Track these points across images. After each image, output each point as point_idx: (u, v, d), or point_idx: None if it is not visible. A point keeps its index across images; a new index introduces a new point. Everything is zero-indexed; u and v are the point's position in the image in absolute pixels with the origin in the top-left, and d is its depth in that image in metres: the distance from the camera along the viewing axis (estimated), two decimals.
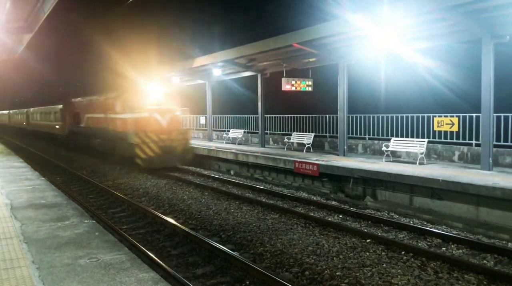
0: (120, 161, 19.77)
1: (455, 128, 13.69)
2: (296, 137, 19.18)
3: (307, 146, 18.07)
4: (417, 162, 13.64)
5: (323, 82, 19.59)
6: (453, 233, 8.92)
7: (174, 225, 9.64)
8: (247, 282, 6.74)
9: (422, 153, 13.72)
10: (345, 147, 16.17)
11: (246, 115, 24.00)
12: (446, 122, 13.80)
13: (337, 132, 16.91)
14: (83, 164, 21.13)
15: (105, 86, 24.81)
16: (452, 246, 8.22)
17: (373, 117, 16.77)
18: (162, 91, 19.83)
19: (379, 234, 8.99)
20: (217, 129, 26.33)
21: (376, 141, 16.62)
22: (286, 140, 19.56)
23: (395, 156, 15.21)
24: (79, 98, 27.19)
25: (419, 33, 12.88)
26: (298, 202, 12.12)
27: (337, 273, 6.87)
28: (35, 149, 29.58)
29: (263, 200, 12.14)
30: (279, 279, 6.41)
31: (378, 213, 10.83)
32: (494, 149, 12.37)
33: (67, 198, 10.33)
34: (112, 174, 17.87)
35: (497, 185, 9.63)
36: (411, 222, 9.88)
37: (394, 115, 15.81)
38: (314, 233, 8.97)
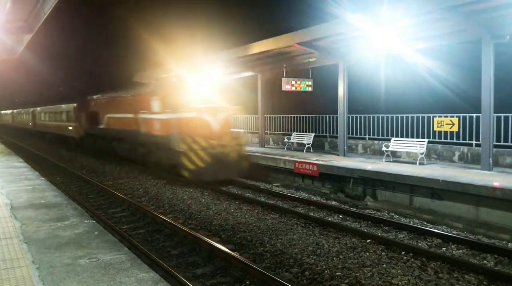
0: (154, 170, 17.13)
1: (455, 129, 13.69)
2: (296, 138, 19.18)
3: (307, 146, 18.07)
4: (417, 162, 13.64)
5: (323, 82, 19.54)
6: (453, 233, 8.92)
7: (174, 225, 9.64)
8: (247, 282, 6.74)
9: (422, 153, 13.72)
10: (345, 147, 16.17)
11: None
12: (446, 123, 13.81)
13: (337, 133, 16.91)
14: (83, 164, 21.12)
15: (133, 81, 22.88)
16: (452, 246, 8.22)
17: (373, 117, 16.78)
18: (211, 86, 16.26)
19: (379, 234, 8.99)
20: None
21: (376, 142, 16.62)
22: (286, 140, 19.48)
23: (395, 156, 15.21)
24: (97, 96, 24.07)
25: (419, 33, 12.88)
26: (298, 202, 12.11)
27: (337, 273, 6.87)
28: (35, 149, 29.56)
29: (262, 199, 12.14)
30: (279, 279, 6.40)
31: (378, 213, 10.82)
32: (494, 149, 12.38)
33: (67, 198, 10.33)
34: (112, 174, 17.87)
35: (498, 185, 9.64)
36: (411, 222, 9.88)
37: (394, 115, 15.81)
38: (314, 233, 8.97)
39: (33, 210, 8.17)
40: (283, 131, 21.58)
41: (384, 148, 14.80)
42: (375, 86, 19.91)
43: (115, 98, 21.15)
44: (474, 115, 13.16)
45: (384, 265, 7.17)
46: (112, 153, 21.53)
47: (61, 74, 45.45)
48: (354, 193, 13.11)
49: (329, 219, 10.21)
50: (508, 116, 12.48)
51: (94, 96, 24.38)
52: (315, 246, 8.21)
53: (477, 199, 9.95)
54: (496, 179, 10.37)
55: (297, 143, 19.43)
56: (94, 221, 7.68)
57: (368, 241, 8.45)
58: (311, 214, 10.69)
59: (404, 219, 10.29)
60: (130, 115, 18.51)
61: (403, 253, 7.75)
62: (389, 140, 15.11)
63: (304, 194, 13.35)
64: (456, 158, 13.97)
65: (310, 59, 17.23)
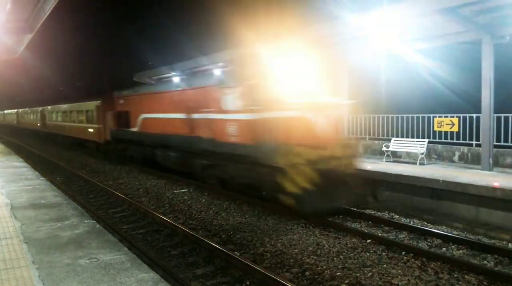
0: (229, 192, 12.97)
1: (455, 129, 13.70)
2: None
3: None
4: (418, 162, 13.64)
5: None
6: (453, 234, 8.91)
7: (174, 225, 9.63)
8: (248, 283, 6.73)
9: (422, 153, 13.72)
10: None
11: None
12: (446, 123, 13.82)
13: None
14: (83, 164, 21.12)
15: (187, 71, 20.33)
16: (453, 246, 8.21)
17: (373, 117, 16.77)
18: (319, 70, 11.05)
19: (380, 234, 8.98)
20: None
21: (376, 142, 16.61)
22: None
23: (395, 156, 15.21)
24: (128, 91, 19.79)
25: (421, 33, 12.87)
26: None
27: (338, 274, 6.87)
28: (35, 149, 29.54)
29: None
30: (280, 279, 6.40)
31: (379, 213, 10.82)
32: (495, 149, 12.38)
33: (67, 197, 10.34)
34: (112, 173, 17.87)
35: (498, 185, 9.63)
36: (411, 222, 9.87)
37: (394, 115, 15.79)
38: (315, 233, 8.97)
39: (33, 210, 8.17)
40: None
41: (384, 148, 14.81)
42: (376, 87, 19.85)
43: (157, 93, 16.77)
44: (474, 115, 13.16)
45: (385, 265, 7.16)
46: (151, 163, 17.46)
47: (77, 69, 42.85)
48: None
49: (329, 219, 10.18)
50: (508, 117, 12.48)
51: (125, 92, 19.92)
52: (315, 246, 8.20)
53: (477, 199, 9.94)
54: (496, 179, 10.37)
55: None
56: (94, 221, 7.69)
57: (368, 241, 8.44)
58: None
59: (405, 219, 10.27)
60: (181, 116, 14.24)
61: (403, 253, 7.75)
62: (389, 140, 15.11)
63: None
64: (456, 158, 13.97)
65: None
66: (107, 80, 37.71)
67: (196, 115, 13.40)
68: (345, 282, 6.57)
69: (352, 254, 7.72)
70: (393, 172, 11.97)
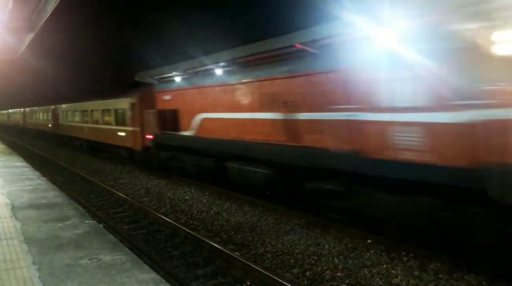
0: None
1: None
2: None
3: None
4: None
5: None
6: None
7: (175, 225, 9.64)
8: (248, 283, 6.75)
9: None
10: None
11: None
12: None
13: None
14: (84, 164, 21.14)
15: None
16: None
17: None
18: None
19: (380, 234, 8.95)
20: None
21: None
22: None
23: None
24: (177, 84, 15.03)
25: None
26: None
27: (338, 274, 6.88)
28: (35, 149, 29.58)
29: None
30: (280, 280, 6.41)
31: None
32: None
33: (68, 198, 10.35)
34: (113, 173, 17.89)
35: None
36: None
37: None
38: (315, 234, 8.96)
39: (33, 210, 8.19)
40: None
41: None
42: None
43: (227, 86, 12.16)
44: None
45: (385, 266, 7.16)
46: (213, 177, 13.53)
47: (98, 60, 38.41)
48: None
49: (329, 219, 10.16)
50: None
51: (172, 85, 15.42)
52: (316, 246, 8.20)
53: None
54: None
55: None
56: (95, 221, 7.70)
57: (368, 241, 8.43)
58: (312, 214, 10.59)
59: None
60: (276, 116, 10.17)
61: (403, 253, 7.74)
62: None
63: None
64: None
65: None
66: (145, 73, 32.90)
67: (313, 115, 9.04)
68: (345, 282, 6.58)
69: (352, 255, 7.72)
70: None
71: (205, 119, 13.19)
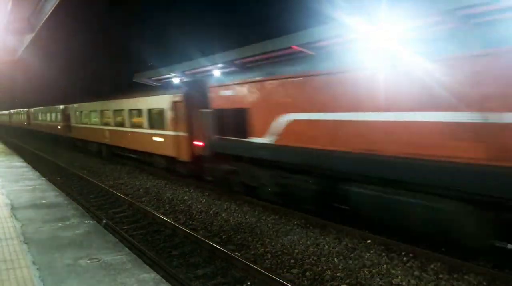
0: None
1: None
2: None
3: None
4: None
5: None
6: None
7: (175, 225, 9.64)
8: (248, 283, 6.75)
9: None
10: None
11: None
12: None
13: None
14: (84, 164, 21.12)
15: None
16: None
17: None
18: None
19: (380, 235, 8.96)
20: None
21: None
22: None
23: None
24: (245, 76, 11.54)
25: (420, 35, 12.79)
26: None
27: (338, 274, 6.88)
28: (35, 149, 29.55)
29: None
30: (281, 280, 6.41)
31: None
32: None
33: (68, 198, 10.35)
34: (113, 174, 17.87)
35: None
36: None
37: None
38: (315, 234, 8.96)
39: (33, 210, 8.19)
40: None
41: None
42: None
43: (338, 75, 8.46)
44: None
45: (385, 266, 7.17)
46: (320, 206, 9.73)
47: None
48: None
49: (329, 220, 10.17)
50: None
51: (236, 78, 11.79)
52: (315, 246, 8.20)
53: None
54: None
55: None
56: (94, 222, 7.69)
57: (368, 241, 8.44)
58: (312, 214, 10.61)
59: None
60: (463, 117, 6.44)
61: (403, 253, 7.74)
62: None
63: None
64: None
65: None
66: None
67: None
68: (345, 282, 6.59)
69: (352, 255, 7.72)
70: None
71: (294, 122, 9.54)
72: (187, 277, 6.91)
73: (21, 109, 46.93)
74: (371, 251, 7.87)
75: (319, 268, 7.14)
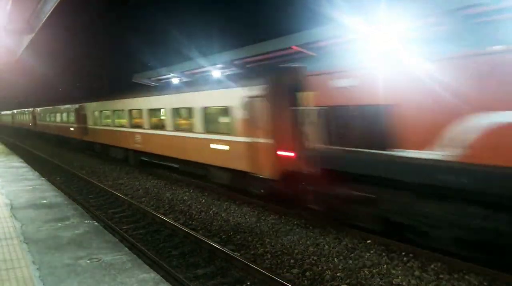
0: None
1: None
2: None
3: None
4: None
5: None
6: None
7: (175, 225, 9.64)
8: (248, 283, 6.74)
9: None
10: None
11: None
12: None
13: None
14: (83, 164, 21.10)
15: None
16: None
17: None
18: None
19: (380, 235, 8.95)
20: None
21: None
22: None
23: None
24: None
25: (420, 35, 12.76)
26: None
27: (338, 274, 6.87)
28: (35, 149, 29.52)
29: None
30: (280, 280, 6.41)
31: None
32: None
33: (68, 198, 10.35)
34: (112, 174, 17.85)
35: None
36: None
37: None
38: (315, 234, 8.96)
39: (33, 210, 8.18)
40: None
41: None
42: None
43: None
44: None
45: (385, 266, 7.16)
46: None
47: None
48: None
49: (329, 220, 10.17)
50: None
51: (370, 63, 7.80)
52: (315, 246, 8.20)
53: None
54: None
55: None
56: (94, 221, 7.69)
57: (368, 241, 8.43)
58: (311, 214, 10.60)
59: None
60: None
61: (403, 253, 7.74)
62: None
63: None
64: None
65: None
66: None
67: None
68: (345, 282, 6.58)
69: (352, 255, 7.72)
70: None
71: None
72: (187, 277, 6.90)
73: (25, 109, 43.09)
74: (371, 251, 7.87)
75: (319, 268, 7.14)
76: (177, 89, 15.03)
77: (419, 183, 6.91)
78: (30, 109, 40.24)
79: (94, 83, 42.12)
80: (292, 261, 7.52)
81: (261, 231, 9.30)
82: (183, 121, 14.36)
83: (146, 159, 17.78)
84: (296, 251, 7.98)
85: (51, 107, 31.78)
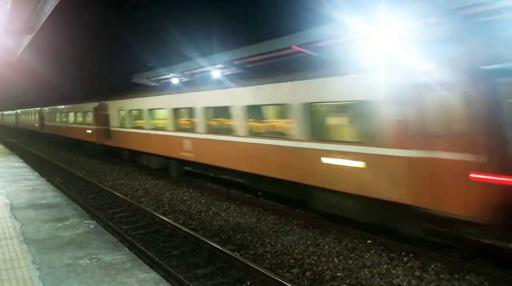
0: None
1: None
2: None
3: None
4: None
5: None
6: None
7: (174, 225, 9.63)
8: (248, 283, 6.73)
9: None
10: None
11: None
12: None
13: None
14: (83, 164, 21.09)
15: None
16: None
17: None
18: None
19: (380, 235, 8.95)
20: None
21: None
22: None
23: None
24: None
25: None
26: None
27: (338, 274, 6.87)
28: (35, 150, 29.51)
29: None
30: (280, 280, 6.40)
31: None
32: None
33: (67, 198, 10.34)
34: (112, 174, 17.84)
35: None
36: None
37: None
38: (315, 234, 8.95)
39: (33, 210, 8.17)
40: None
41: None
42: None
43: None
44: None
45: (385, 266, 7.16)
46: None
47: None
48: None
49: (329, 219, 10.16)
50: None
51: None
52: (315, 246, 8.19)
53: None
54: None
55: None
56: (94, 221, 7.68)
57: (368, 242, 8.43)
58: (311, 214, 10.60)
59: None
60: None
61: (403, 253, 7.73)
62: None
63: None
64: None
65: None
66: None
67: None
68: (345, 282, 6.57)
69: (352, 255, 7.71)
70: None
71: None
72: (187, 277, 6.89)
73: (31, 109, 39.03)
74: (371, 251, 7.86)
75: (319, 268, 7.13)
76: (259, 79, 10.84)
77: None
78: (37, 108, 36.44)
79: (94, 82, 42.11)
80: (292, 261, 7.51)
81: (261, 231, 9.29)
82: (266, 124, 10.70)
83: (196, 171, 15.09)
84: (296, 251, 7.98)
85: (63, 106, 28.36)
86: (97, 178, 16.86)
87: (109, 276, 4.85)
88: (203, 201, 12.32)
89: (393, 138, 7.34)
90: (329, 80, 8.58)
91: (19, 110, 46.44)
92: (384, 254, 7.71)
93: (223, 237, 9.03)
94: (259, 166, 10.57)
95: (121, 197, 12.86)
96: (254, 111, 10.84)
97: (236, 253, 7.83)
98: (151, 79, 27.10)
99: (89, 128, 22.99)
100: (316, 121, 9.10)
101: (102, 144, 21.33)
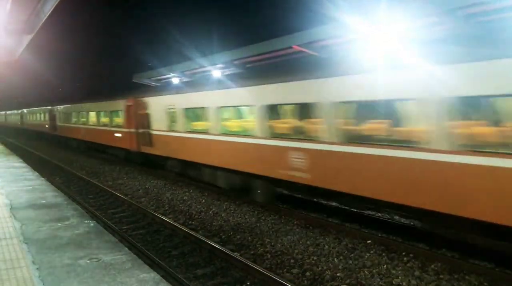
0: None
1: None
2: None
3: None
4: None
5: None
6: None
7: (174, 225, 9.63)
8: (248, 283, 6.73)
9: None
10: None
11: None
12: None
13: None
14: (83, 164, 21.09)
15: None
16: None
17: None
18: None
19: (380, 235, 8.96)
20: None
21: None
22: None
23: None
24: None
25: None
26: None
27: (338, 274, 6.87)
28: (35, 150, 29.52)
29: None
30: (280, 280, 6.40)
31: (379, 214, 10.80)
32: None
33: (67, 198, 10.35)
34: (112, 174, 17.84)
35: None
36: (412, 223, 9.85)
37: None
38: (315, 234, 8.95)
39: (33, 210, 8.17)
40: None
41: None
42: None
43: None
44: None
45: (385, 266, 7.16)
46: None
47: None
48: None
49: (329, 219, 10.18)
50: None
51: None
52: (315, 246, 8.19)
53: None
54: None
55: None
56: (94, 222, 7.68)
57: (368, 242, 8.43)
58: (312, 214, 10.62)
59: (405, 220, 10.25)
60: None
61: (403, 253, 7.73)
62: None
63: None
64: None
65: None
66: None
67: None
68: (345, 282, 6.57)
69: (352, 255, 7.71)
70: None
71: None
72: (186, 277, 6.89)
73: (39, 108, 34.42)
74: (371, 251, 7.86)
75: (319, 268, 7.13)
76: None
77: None
78: (47, 107, 31.39)
79: (94, 83, 42.12)
80: (292, 261, 7.51)
81: (261, 231, 9.29)
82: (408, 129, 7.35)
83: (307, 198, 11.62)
84: (296, 251, 7.97)
85: (80, 104, 24.00)
86: (97, 178, 16.86)
87: (109, 276, 4.85)
88: (203, 201, 12.31)
89: None
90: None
91: (25, 110, 41.70)
92: (384, 254, 7.71)
93: (223, 237, 9.02)
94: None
95: (121, 197, 12.86)
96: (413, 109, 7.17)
97: (236, 253, 7.83)
98: (152, 79, 27.00)
99: (118, 131, 18.66)
100: None
101: (139, 151, 17.11)
